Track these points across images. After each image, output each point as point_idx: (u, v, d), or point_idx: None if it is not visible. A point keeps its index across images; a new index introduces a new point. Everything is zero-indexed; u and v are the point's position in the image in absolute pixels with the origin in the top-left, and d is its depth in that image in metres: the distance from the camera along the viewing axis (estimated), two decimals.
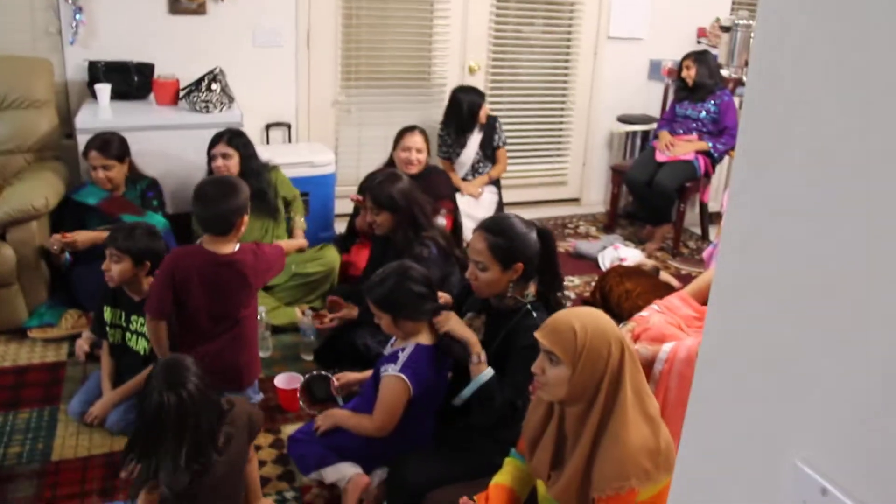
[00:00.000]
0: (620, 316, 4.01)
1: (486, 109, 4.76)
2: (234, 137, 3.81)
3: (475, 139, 4.81)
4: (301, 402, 3.09)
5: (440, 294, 2.62)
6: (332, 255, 3.92)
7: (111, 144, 3.66)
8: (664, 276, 4.46)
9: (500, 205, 4.97)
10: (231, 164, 3.76)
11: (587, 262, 4.79)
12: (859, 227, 0.56)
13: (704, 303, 3.15)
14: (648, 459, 1.89)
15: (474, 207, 4.68)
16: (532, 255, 2.49)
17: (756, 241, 0.67)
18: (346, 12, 4.81)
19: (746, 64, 5.64)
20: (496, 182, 4.91)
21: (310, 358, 3.46)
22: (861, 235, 0.56)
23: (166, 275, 2.73)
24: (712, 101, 4.95)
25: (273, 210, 3.87)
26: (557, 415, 2.04)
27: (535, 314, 2.47)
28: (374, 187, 3.35)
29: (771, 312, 0.65)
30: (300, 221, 4.02)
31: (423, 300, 2.51)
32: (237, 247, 2.83)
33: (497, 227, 2.49)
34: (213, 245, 2.78)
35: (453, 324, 2.51)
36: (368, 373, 2.72)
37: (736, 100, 5.10)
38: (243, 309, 2.84)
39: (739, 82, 5.45)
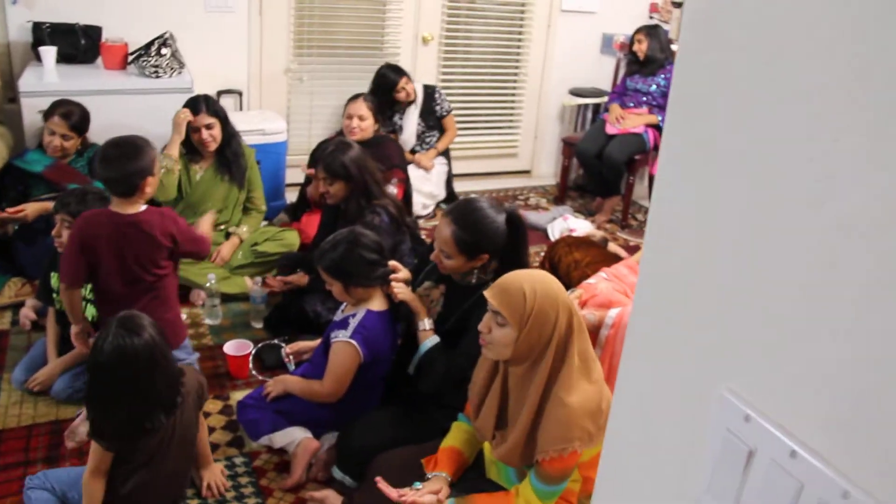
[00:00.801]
0: (569, 285, 4.05)
1: (409, 87, 4.74)
2: (211, 104, 3.75)
3: (412, 113, 4.82)
4: (251, 369, 3.09)
5: (392, 263, 2.62)
6: (292, 238, 3.91)
7: (75, 115, 3.60)
8: (612, 246, 4.51)
9: (450, 176, 4.98)
10: (215, 132, 3.72)
11: (537, 233, 4.83)
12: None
13: None
14: (591, 422, 1.94)
15: (423, 181, 4.69)
16: (498, 245, 2.49)
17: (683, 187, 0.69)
18: None
19: None
20: (445, 153, 4.93)
21: (260, 325, 3.45)
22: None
23: (75, 240, 2.66)
24: (662, 76, 5.00)
25: (242, 176, 3.85)
26: (502, 374, 2.08)
27: None
28: (326, 157, 3.33)
29: (694, 252, 0.68)
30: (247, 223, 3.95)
31: (375, 266, 2.53)
32: (143, 207, 2.74)
33: (465, 219, 2.46)
34: (120, 207, 2.70)
35: (404, 291, 2.54)
36: (319, 341, 2.72)
37: None
38: (156, 269, 2.75)
39: None
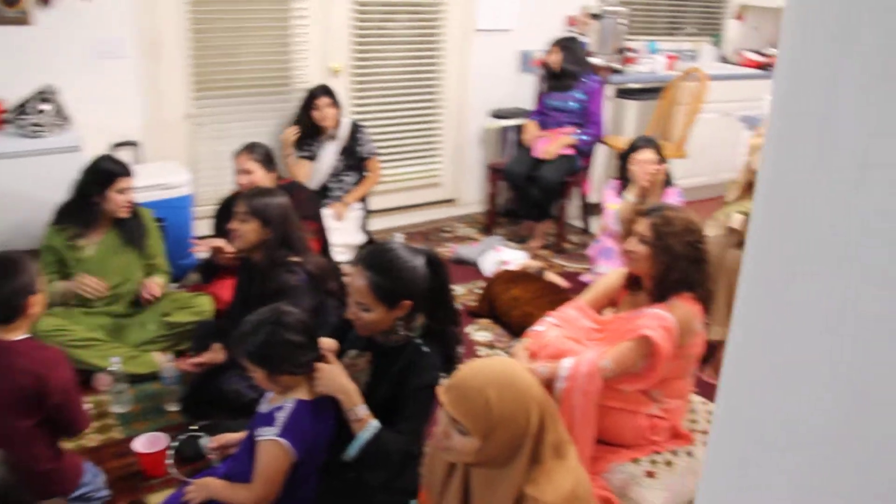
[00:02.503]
0: (510, 325, 3.83)
1: (330, 111, 4.43)
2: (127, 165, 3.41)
3: (331, 146, 4.50)
4: (170, 465, 2.73)
5: (323, 341, 2.31)
6: (205, 304, 3.51)
7: None
8: (549, 276, 4.30)
9: (365, 219, 4.67)
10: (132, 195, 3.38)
11: (469, 268, 4.57)
12: None
13: (601, 310, 2.98)
14: None
15: (334, 231, 4.34)
16: (421, 289, 2.24)
17: None
18: (194, 17, 4.39)
19: (618, 51, 5.56)
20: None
21: (176, 408, 3.08)
22: None
23: None
24: (579, 90, 4.82)
25: (143, 240, 3.50)
26: (462, 472, 1.79)
27: (425, 349, 2.23)
28: (253, 194, 3.01)
29: None
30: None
31: (302, 351, 2.20)
32: (22, 336, 2.30)
33: (379, 264, 2.20)
34: None
35: (325, 384, 2.21)
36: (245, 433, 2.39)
37: (609, 89, 5.00)
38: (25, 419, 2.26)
39: (611, 70, 5.35)
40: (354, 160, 4.54)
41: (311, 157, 4.51)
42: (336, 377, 2.20)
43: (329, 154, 4.49)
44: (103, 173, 3.29)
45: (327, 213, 4.46)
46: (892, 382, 0.50)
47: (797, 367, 0.54)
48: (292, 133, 4.48)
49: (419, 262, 2.24)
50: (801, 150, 0.52)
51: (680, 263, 2.64)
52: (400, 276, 2.20)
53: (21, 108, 3.72)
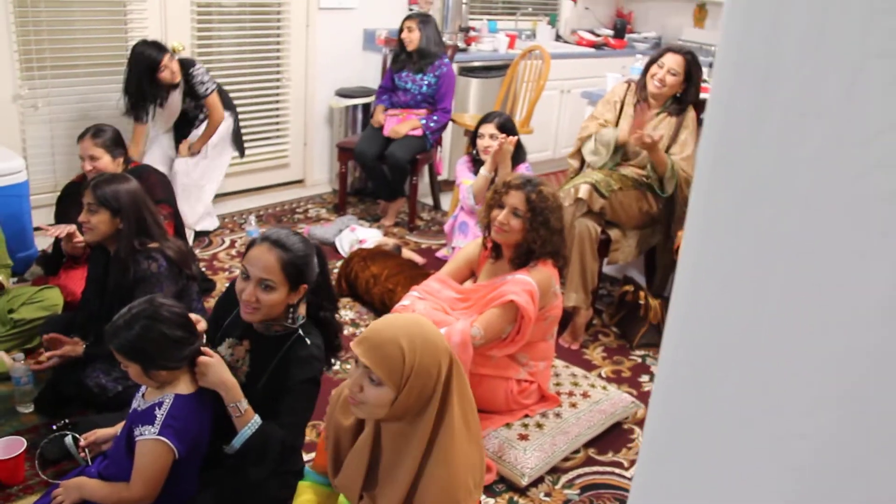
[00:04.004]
0: (372, 303, 3.86)
1: (174, 64, 4.21)
2: None
3: (176, 96, 4.34)
4: (38, 471, 2.57)
5: (196, 318, 2.24)
6: (54, 297, 3.30)
7: None
8: (406, 252, 4.35)
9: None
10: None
11: (325, 248, 4.54)
12: None
13: (462, 282, 3.05)
14: (471, 477, 1.74)
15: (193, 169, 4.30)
16: (315, 274, 2.23)
17: None
18: None
19: (461, 29, 5.64)
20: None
21: (29, 409, 2.89)
22: None
23: None
24: (433, 73, 4.82)
25: None
26: (372, 429, 1.81)
27: (308, 340, 2.20)
28: (99, 181, 2.84)
29: None
30: None
31: (180, 346, 2.12)
32: None
33: (285, 244, 2.16)
34: None
35: (208, 379, 2.15)
36: (119, 427, 2.30)
37: (455, 67, 5.06)
38: None
39: (456, 49, 5.43)
40: (199, 98, 4.40)
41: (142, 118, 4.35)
42: (217, 371, 2.14)
43: (175, 101, 4.34)
44: None
45: (181, 160, 4.42)
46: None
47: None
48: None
49: (311, 249, 2.23)
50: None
51: (553, 237, 2.77)
52: (304, 257, 2.18)
53: None
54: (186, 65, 4.30)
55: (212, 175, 4.56)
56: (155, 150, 4.44)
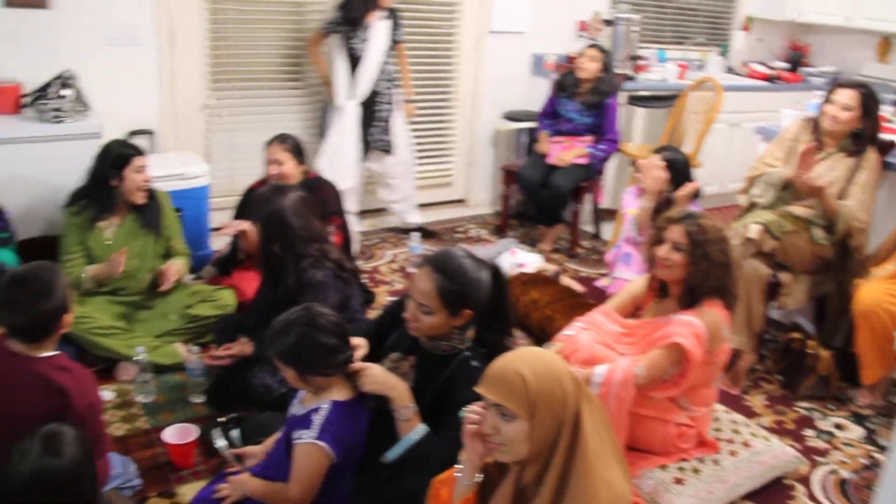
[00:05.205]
0: (530, 329, 3.83)
1: None
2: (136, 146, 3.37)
3: (382, 27, 4.51)
4: (219, 443, 2.68)
5: (354, 342, 2.29)
6: (228, 297, 3.49)
7: None
8: (564, 280, 4.31)
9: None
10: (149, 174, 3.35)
11: None
12: None
13: (626, 317, 2.99)
14: None
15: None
16: (482, 301, 2.22)
17: None
18: (211, 6, 4.37)
19: (630, 58, 5.58)
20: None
21: (200, 400, 3.06)
22: None
23: None
24: (598, 111, 4.78)
25: (159, 223, 3.46)
26: (515, 473, 1.79)
27: (474, 363, 2.21)
28: (261, 204, 2.97)
29: None
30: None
31: (334, 354, 2.18)
32: (53, 352, 2.24)
33: (448, 268, 2.18)
34: (24, 348, 2.20)
35: (374, 380, 2.19)
36: (270, 442, 2.40)
37: (621, 95, 5.00)
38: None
39: (624, 77, 5.37)
40: (393, 43, 4.62)
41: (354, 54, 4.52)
42: (382, 376, 2.18)
43: (381, 35, 4.51)
44: (118, 156, 3.26)
45: (398, 118, 4.72)
46: None
47: None
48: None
49: (484, 274, 2.23)
50: None
51: (715, 270, 2.67)
52: (467, 284, 2.18)
53: (41, 93, 3.68)
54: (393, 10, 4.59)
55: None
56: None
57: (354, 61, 4.50)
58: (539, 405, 1.64)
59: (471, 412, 1.76)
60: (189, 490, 2.55)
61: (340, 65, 4.53)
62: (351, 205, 4.57)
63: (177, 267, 3.44)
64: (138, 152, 3.31)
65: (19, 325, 2.17)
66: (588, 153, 4.75)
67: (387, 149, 4.73)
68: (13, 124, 3.63)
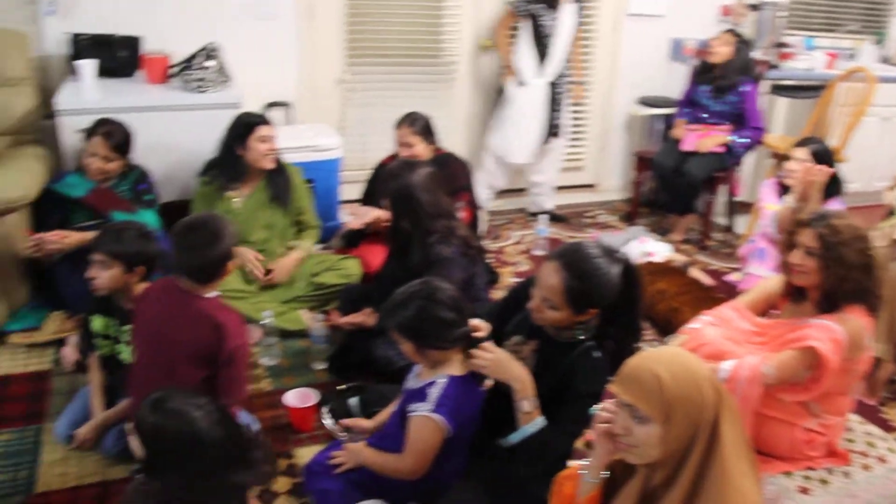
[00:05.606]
0: (654, 319, 3.73)
1: None
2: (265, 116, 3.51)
3: (571, 9, 4.60)
4: (326, 421, 2.77)
5: (476, 324, 2.28)
6: (353, 267, 3.56)
7: (117, 136, 3.31)
8: (693, 272, 4.18)
9: None
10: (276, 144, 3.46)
11: None
12: None
13: (761, 314, 2.86)
14: None
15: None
16: (610, 300, 2.15)
17: None
18: None
19: (775, 45, 5.33)
20: None
21: (322, 367, 3.14)
22: None
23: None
24: (734, 94, 4.60)
25: (288, 196, 3.55)
26: (643, 474, 1.73)
27: (596, 354, 2.16)
28: (390, 181, 3.01)
29: None
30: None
31: (452, 328, 2.17)
32: (214, 294, 2.42)
33: (578, 267, 2.11)
34: (192, 287, 2.38)
35: (500, 368, 2.17)
36: (385, 413, 2.44)
37: (763, 84, 4.78)
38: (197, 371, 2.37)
39: (768, 65, 5.14)
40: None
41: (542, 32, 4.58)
42: (510, 364, 2.16)
43: (569, 16, 4.61)
44: (242, 124, 3.38)
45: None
46: None
47: None
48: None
49: (615, 269, 2.14)
50: None
51: (853, 273, 2.50)
52: (596, 284, 2.11)
53: (187, 64, 3.83)
54: None
55: None
56: None
57: (541, 42, 4.56)
58: (674, 409, 1.57)
59: (603, 410, 1.71)
60: (306, 453, 2.62)
61: (527, 44, 4.59)
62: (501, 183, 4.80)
63: (288, 263, 3.50)
64: (263, 121, 3.41)
65: (194, 265, 2.35)
66: (729, 141, 4.58)
67: (556, 132, 4.76)
68: (161, 93, 3.81)
